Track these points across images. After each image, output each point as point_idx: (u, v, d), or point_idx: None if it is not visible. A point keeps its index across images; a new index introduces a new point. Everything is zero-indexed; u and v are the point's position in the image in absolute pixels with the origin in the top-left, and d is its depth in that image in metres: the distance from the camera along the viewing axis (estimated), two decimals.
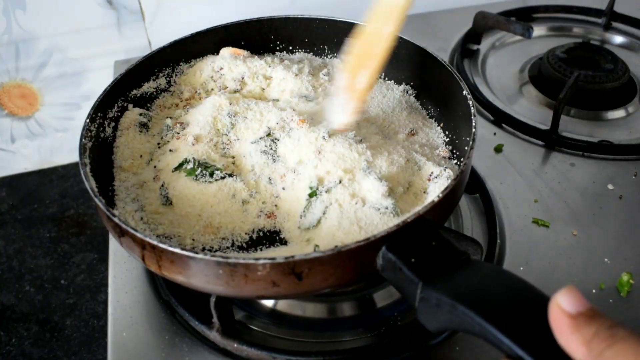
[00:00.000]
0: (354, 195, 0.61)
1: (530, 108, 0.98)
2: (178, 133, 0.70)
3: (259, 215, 0.64)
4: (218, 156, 0.68)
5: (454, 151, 0.70)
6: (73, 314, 0.92)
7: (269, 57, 0.82)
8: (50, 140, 1.16)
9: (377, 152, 0.65)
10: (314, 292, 0.53)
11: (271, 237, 0.63)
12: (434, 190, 0.62)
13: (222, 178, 0.65)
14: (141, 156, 0.70)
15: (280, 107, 0.72)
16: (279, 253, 0.59)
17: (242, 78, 0.78)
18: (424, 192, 0.64)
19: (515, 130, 0.92)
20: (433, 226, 0.51)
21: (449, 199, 0.55)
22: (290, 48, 0.87)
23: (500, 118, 0.95)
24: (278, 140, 0.68)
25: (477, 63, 1.10)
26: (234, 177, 0.65)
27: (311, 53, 0.87)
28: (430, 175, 0.64)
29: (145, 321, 0.65)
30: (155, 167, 0.68)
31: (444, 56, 0.73)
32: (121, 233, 0.53)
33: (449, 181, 0.60)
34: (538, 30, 1.17)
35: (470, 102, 0.64)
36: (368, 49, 0.63)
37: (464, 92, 0.66)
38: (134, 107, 0.74)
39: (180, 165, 0.66)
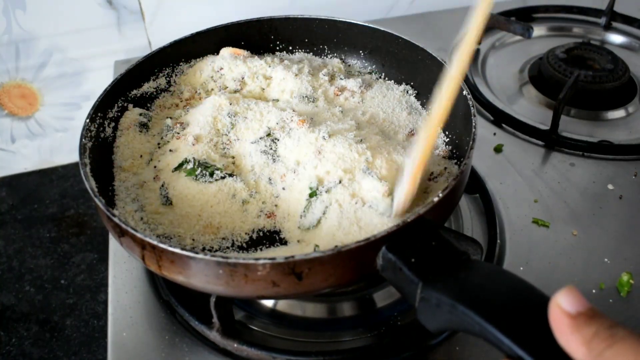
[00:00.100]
0: (353, 195, 0.61)
1: (530, 108, 0.98)
2: (178, 133, 0.70)
3: (259, 215, 0.64)
4: (218, 156, 0.68)
5: (454, 151, 0.70)
6: (73, 314, 0.92)
7: (269, 57, 0.82)
8: (50, 140, 1.16)
9: (377, 152, 0.65)
10: (314, 292, 0.53)
11: (271, 237, 0.63)
12: (434, 190, 0.62)
13: (222, 178, 0.65)
14: (141, 156, 0.70)
15: (280, 107, 0.72)
16: (279, 253, 0.59)
17: (242, 78, 0.78)
18: (424, 192, 0.64)
19: (515, 130, 0.92)
20: (433, 226, 0.51)
21: (449, 199, 0.55)
22: (290, 48, 0.87)
23: (500, 118, 0.95)
24: (278, 140, 0.68)
25: (477, 63, 1.10)
26: (234, 177, 0.65)
27: (311, 53, 0.87)
28: (430, 175, 0.64)
29: (145, 321, 0.65)
30: (155, 167, 0.68)
31: (444, 56, 0.73)
32: (121, 233, 0.53)
33: (449, 181, 0.60)
34: (538, 30, 1.17)
35: (470, 102, 0.64)
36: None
37: (464, 92, 0.66)
38: (134, 107, 0.74)
39: (180, 165, 0.66)
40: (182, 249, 0.49)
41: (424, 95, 0.78)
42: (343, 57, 0.86)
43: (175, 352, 0.61)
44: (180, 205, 0.64)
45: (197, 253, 0.48)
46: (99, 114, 0.68)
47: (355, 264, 0.50)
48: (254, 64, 0.79)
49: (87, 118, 0.65)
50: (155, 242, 0.50)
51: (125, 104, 0.73)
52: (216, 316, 0.60)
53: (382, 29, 0.80)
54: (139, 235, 0.50)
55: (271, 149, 0.67)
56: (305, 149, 0.65)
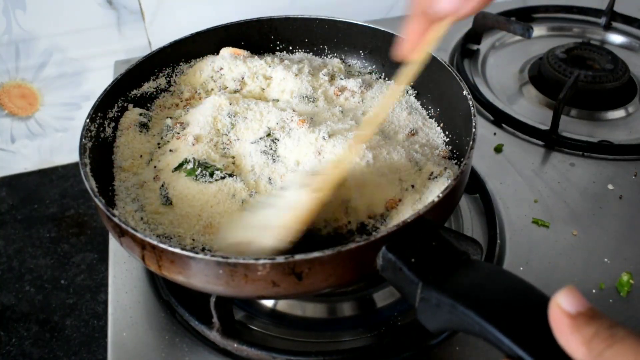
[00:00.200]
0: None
1: (530, 108, 0.98)
2: (178, 133, 0.70)
3: None
4: (218, 156, 0.68)
5: (454, 151, 0.70)
6: (73, 314, 0.92)
7: (269, 57, 0.82)
8: (50, 140, 1.16)
9: (377, 152, 0.65)
10: (314, 292, 0.53)
11: None
12: (434, 191, 0.62)
13: (222, 178, 0.64)
14: (141, 156, 0.70)
15: (280, 108, 0.72)
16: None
17: (242, 78, 0.78)
18: (424, 192, 0.64)
19: (515, 130, 0.92)
20: (433, 226, 0.51)
21: (449, 199, 0.55)
22: (290, 48, 0.87)
23: (500, 118, 0.95)
24: (278, 140, 0.68)
25: (477, 63, 1.10)
26: (234, 177, 0.65)
27: (311, 53, 0.87)
28: (430, 175, 0.64)
29: (145, 321, 0.65)
30: (155, 167, 0.68)
31: (444, 56, 0.73)
32: (121, 233, 0.53)
33: (449, 181, 0.60)
34: (538, 30, 1.17)
35: (471, 102, 0.64)
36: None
37: (464, 92, 0.66)
38: (134, 107, 0.74)
39: (180, 165, 0.66)
40: (182, 249, 0.49)
41: (424, 95, 0.78)
42: (343, 57, 0.86)
43: (175, 352, 0.61)
44: (180, 205, 0.64)
45: (197, 253, 0.48)
46: (99, 114, 0.68)
47: (355, 264, 0.50)
48: (254, 64, 0.79)
49: (87, 118, 0.65)
50: (155, 242, 0.50)
51: (125, 104, 0.73)
52: (216, 316, 0.60)
53: (382, 29, 0.80)
54: (139, 235, 0.50)
55: (271, 149, 0.67)
56: (305, 149, 0.65)
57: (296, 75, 0.78)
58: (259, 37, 0.85)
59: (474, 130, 0.61)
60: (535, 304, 0.38)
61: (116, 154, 0.69)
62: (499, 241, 0.73)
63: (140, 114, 0.73)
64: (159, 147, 0.71)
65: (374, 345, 0.61)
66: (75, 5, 1.03)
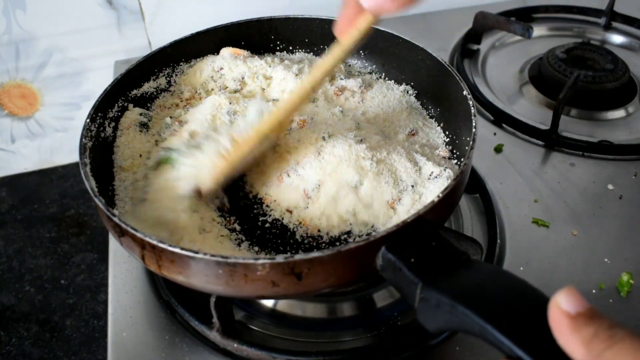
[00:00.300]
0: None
1: (530, 108, 0.98)
2: (175, 130, 0.70)
3: None
4: None
5: (454, 151, 0.70)
6: (73, 314, 0.92)
7: (269, 57, 0.82)
8: (50, 140, 1.16)
9: (377, 152, 0.65)
10: (313, 292, 0.53)
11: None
12: (434, 191, 0.62)
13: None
14: (141, 156, 0.70)
15: None
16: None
17: (242, 78, 0.78)
18: (424, 192, 0.64)
19: (515, 130, 0.92)
20: (433, 226, 0.51)
21: (449, 199, 0.55)
22: (290, 48, 0.87)
23: (500, 118, 0.95)
24: None
25: (477, 63, 1.10)
26: None
27: (311, 53, 0.87)
28: (430, 175, 0.64)
29: (145, 321, 0.65)
30: (145, 164, 0.67)
31: (444, 56, 0.73)
32: (121, 233, 0.53)
33: (449, 181, 0.60)
34: (538, 30, 1.17)
35: (471, 102, 0.64)
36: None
37: (464, 92, 0.66)
38: (134, 107, 0.74)
39: (161, 162, 0.65)
40: (182, 248, 0.49)
41: (424, 95, 0.78)
42: None
43: (175, 352, 0.61)
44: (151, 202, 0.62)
45: (196, 253, 0.48)
46: (99, 114, 0.67)
47: (354, 264, 0.50)
48: (254, 64, 0.79)
49: (87, 118, 0.65)
50: (155, 242, 0.49)
51: (126, 104, 0.73)
52: (216, 316, 0.60)
53: (382, 29, 0.80)
54: (138, 235, 0.50)
55: None
56: (305, 149, 0.65)
57: (296, 75, 0.78)
58: (259, 37, 0.85)
59: (474, 130, 0.61)
60: (535, 304, 0.38)
61: (116, 153, 0.69)
62: (499, 241, 0.73)
63: (141, 114, 0.73)
64: (157, 145, 0.70)
65: (374, 345, 0.61)
66: (75, 5, 1.03)
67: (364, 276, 0.52)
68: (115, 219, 0.52)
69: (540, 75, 1.04)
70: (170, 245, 0.49)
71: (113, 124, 0.71)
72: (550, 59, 1.02)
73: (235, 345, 0.60)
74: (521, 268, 0.70)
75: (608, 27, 1.19)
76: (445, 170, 0.64)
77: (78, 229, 1.05)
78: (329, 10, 0.96)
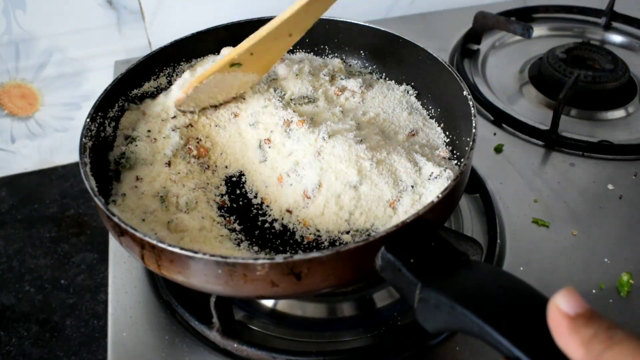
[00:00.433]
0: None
1: (530, 108, 0.98)
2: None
3: None
4: None
5: (454, 151, 0.70)
6: (73, 314, 0.92)
7: None
8: (50, 140, 1.16)
9: (377, 153, 0.65)
10: (313, 292, 0.53)
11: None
12: (434, 191, 0.62)
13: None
14: None
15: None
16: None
17: None
18: (424, 192, 0.64)
19: (515, 130, 0.92)
20: (432, 227, 0.51)
21: (449, 199, 0.55)
22: (291, 48, 0.87)
23: (500, 118, 0.94)
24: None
25: (477, 63, 1.10)
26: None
27: (312, 53, 0.87)
28: (430, 176, 0.64)
29: (145, 321, 0.65)
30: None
31: (444, 56, 0.73)
32: (121, 233, 0.53)
33: (449, 181, 0.60)
34: (538, 30, 1.17)
35: (471, 103, 0.64)
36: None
37: (464, 93, 0.66)
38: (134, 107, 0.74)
39: None
40: (182, 248, 0.49)
41: (425, 95, 0.78)
42: (344, 57, 0.86)
43: (175, 352, 0.61)
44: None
45: (196, 252, 0.48)
46: (100, 114, 0.67)
47: (354, 264, 0.50)
48: None
49: (87, 117, 0.65)
50: (154, 242, 0.50)
51: (126, 104, 0.73)
52: (216, 316, 0.60)
53: (383, 29, 0.80)
54: (138, 234, 0.50)
55: (269, 147, 0.67)
56: (304, 150, 0.65)
57: (297, 75, 0.78)
58: None
59: (474, 130, 0.61)
60: (534, 305, 0.38)
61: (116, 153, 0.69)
62: (499, 241, 0.73)
63: None
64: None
65: (374, 345, 0.61)
66: (75, 5, 1.03)
67: (363, 276, 0.52)
68: (115, 219, 0.52)
69: (540, 75, 1.04)
70: (170, 245, 0.49)
71: (113, 123, 0.71)
72: (550, 59, 1.02)
73: (235, 345, 0.60)
74: (521, 268, 0.70)
75: (608, 27, 1.19)
76: (445, 170, 0.64)
77: (78, 229, 1.05)
78: (329, 10, 0.96)
